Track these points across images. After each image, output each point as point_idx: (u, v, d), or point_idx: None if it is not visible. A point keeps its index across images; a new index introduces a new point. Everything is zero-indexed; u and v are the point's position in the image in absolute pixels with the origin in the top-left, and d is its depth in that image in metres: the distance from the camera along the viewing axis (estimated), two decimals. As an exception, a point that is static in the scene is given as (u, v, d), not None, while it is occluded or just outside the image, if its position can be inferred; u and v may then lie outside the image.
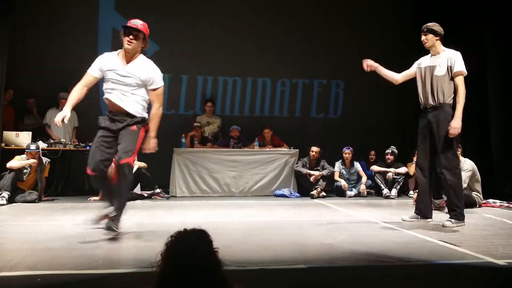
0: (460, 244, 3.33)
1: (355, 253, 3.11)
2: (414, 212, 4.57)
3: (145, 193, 6.86)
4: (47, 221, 4.64)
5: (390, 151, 7.58)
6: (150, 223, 4.52)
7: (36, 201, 6.16)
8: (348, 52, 8.84)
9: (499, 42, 6.79)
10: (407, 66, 4.89)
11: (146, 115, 3.82)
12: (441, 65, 4.29)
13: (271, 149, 7.73)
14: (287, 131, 8.41)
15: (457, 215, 4.16)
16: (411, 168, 7.37)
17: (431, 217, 4.49)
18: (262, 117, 8.78)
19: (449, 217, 4.20)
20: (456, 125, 4.15)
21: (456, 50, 4.37)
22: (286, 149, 7.75)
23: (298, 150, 7.70)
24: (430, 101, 4.31)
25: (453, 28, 6.95)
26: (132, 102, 3.73)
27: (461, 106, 4.16)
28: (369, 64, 4.58)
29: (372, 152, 7.96)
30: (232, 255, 2.97)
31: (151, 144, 3.78)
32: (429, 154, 4.36)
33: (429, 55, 4.44)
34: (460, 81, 4.22)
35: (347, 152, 7.58)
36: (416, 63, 4.57)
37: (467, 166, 5.82)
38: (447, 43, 4.46)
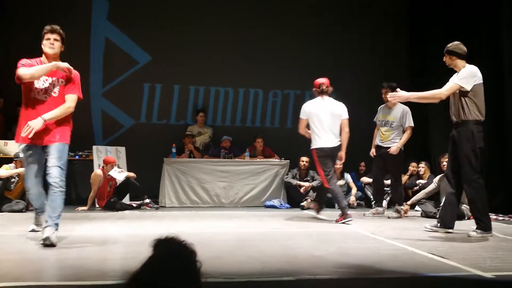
0: (448, 257, 3.34)
1: (344, 265, 3.11)
2: (437, 221, 4.74)
3: (134, 203, 6.81)
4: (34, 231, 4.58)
5: (380, 162, 7.60)
6: (139, 234, 4.49)
7: (23, 210, 6.09)
8: (340, 64, 8.93)
9: (487, 51, 6.87)
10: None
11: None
12: None
13: (262, 159, 7.74)
14: (278, 142, 8.43)
15: (482, 226, 4.40)
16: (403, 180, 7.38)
17: (452, 228, 4.65)
18: (254, 128, 8.79)
19: (475, 228, 4.44)
20: (403, 94, 4.44)
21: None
22: (276, 159, 7.76)
23: (288, 161, 7.71)
24: (454, 118, 4.54)
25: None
26: None
27: (419, 95, 4.53)
28: (395, 96, 4.58)
29: (362, 164, 7.99)
30: (221, 267, 2.96)
31: None
32: (455, 166, 4.54)
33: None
34: (448, 86, 4.41)
35: (337, 163, 7.60)
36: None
37: None
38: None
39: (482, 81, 4.47)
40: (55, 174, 3.67)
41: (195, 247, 1.48)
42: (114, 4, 8.42)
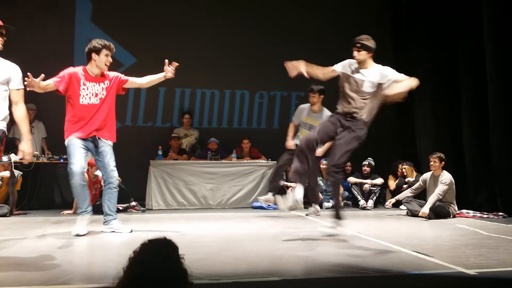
0: (432, 255, 3.37)
1: (330, 265, 3.12)
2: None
3: (120, 206, 6.72)
4: (18, 236, 4.52)
5: (367, 162, 7.68)
6: (125, 237, 4.45)
7: (8, 215, 6.01)
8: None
9: (470, 52, 6.95)
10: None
11: None
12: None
13: (249, 161, 7.73)
14: (265, 143, 8.43)
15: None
16: (391, 182, 7.43)
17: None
18: (240, 129, 8.79)
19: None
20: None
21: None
22: (263, 161, 7.76)
23: (275, 162, 7.70)
24: (355, 114, 4.57)
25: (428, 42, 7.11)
26: None
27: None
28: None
29: (349, 164, 8.02)
30: (207, 268, 2.95)
31: None
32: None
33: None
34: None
35: (324, 164, 7.63)
36: None
37: (446, 179, 5.93)
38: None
39: None
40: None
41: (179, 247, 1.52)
42: (98, 5, 8.35)
